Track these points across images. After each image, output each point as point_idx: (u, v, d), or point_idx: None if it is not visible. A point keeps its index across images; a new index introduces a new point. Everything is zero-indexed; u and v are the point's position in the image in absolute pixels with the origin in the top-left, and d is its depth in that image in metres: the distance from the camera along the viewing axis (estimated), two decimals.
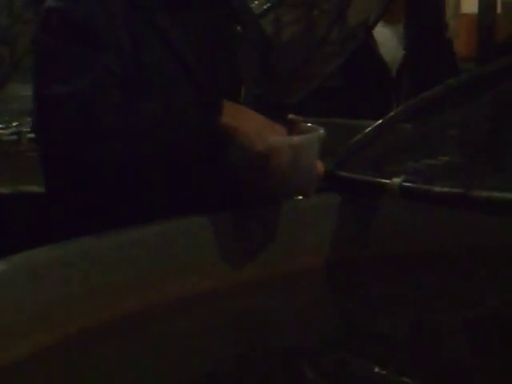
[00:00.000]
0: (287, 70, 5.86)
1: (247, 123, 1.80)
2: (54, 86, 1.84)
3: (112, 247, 1.67)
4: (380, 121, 2.08)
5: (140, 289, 1.68)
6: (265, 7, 5.94)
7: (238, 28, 2.13)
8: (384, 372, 1.56)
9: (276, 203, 1.89)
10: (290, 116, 1.86)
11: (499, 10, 7.69)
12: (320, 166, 1.88)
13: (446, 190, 1.72)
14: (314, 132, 1.83)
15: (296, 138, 1.80)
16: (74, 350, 1.53)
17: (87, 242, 1.65)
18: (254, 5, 5.84)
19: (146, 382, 1.48)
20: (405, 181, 1.79)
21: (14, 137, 4.18)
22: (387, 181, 1.81)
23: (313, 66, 6.57)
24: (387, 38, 4.07)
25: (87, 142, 1.81)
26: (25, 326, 1.47)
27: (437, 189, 1.74)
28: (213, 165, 1.84)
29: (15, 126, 4.28)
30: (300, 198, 1.91)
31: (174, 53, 1.98)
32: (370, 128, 2.06)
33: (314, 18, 6.79)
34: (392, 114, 2.11)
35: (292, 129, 1.83)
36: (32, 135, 4.18)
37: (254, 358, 1.60)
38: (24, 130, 4.10)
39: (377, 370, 1.58)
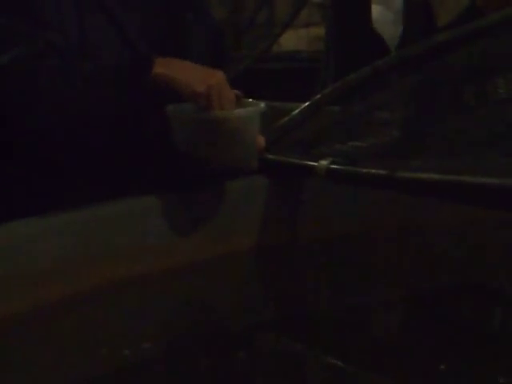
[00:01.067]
0: None
1: (184, 70, 1.83)
2: None
3: (47, 230, 1.68)
4: (307, 103, 2.08)
5: (77, 272, 1.68)
6: None
7: (190, 14, 2.15)
8: (315, 352, 1.58)
9: (208, 185, 1.91)
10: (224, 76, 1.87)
11: None
12: (261, 140, 1.90)
13: (371, 171, 1.74)
14: (255, 106, 1.84)
15: (238, 111, 1.81)
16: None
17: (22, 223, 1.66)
18: None
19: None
20: (331, 163, 1.80)
21: None
22: (314, 163, 1.83)
23: (241, 48, 6.56)
24: (382, 14, 4.00)
25: (26, 106, 1.87)
26: None
27: (363, 170, 1.76)
28: (148, 119, 1.87)
29: None
30: (229, 180, 1.93)
31: (118, 31, 1.99)
32: (297, 110, 2.07)
33: (242, 0, 6.80)
34: (319, 96, 2.11)
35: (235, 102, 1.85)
36: None
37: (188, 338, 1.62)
38: None
39: (309, 350, 1.59)
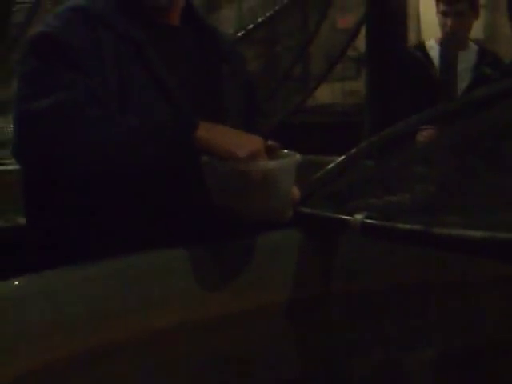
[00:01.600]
0: None
1: (225, 136, 1.83)
2: (34, 101, 1.86)
3: (76, 281, 1.67)
4: (343, 157, 2.08)
5: (106, 323, 1.66)
6: None
7: (226, 66, 2.17)
8: None
9: (242, 238, 1.90)
10: (268, 142, 1.87)
11: None
12: (296, 191, 1.89)
13: (407, 226, 1.72)
14: (291, 157, 1.84)
15: (274, 162, 1.80)
16: None
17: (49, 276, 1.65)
18: None
19: None
20: (366, 217, 1.79)
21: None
22: (349, 217, 1.81)
23: (276, 101, 6.60)
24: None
25: (63, 155, 1.84)
26: None
27: (399, 226, 1.74)
28: (187, 178, 1.88)
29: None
30: (263, 233, 1.92)
31: (157, 83, 2.01)
32: (333, 164, 2.06)
33: (277, 54, 6.84)
34: (355, 149, 2.11)
35: (270, 155, 1.85)
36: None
37: None
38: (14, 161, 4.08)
39: None
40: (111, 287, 1.69)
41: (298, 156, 1.83)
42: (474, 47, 4.30)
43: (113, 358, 1.66)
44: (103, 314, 1.67)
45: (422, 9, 10.68)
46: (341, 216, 1.84)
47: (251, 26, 6.25)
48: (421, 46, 4.29)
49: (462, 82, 4.08)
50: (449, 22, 4.13)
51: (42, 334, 1.56)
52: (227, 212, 1.82)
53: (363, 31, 4.02)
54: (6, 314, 1.54)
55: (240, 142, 1.80)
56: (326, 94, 8.16)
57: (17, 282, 1.59)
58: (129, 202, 1.89)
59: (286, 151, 1.88)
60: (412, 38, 3.89)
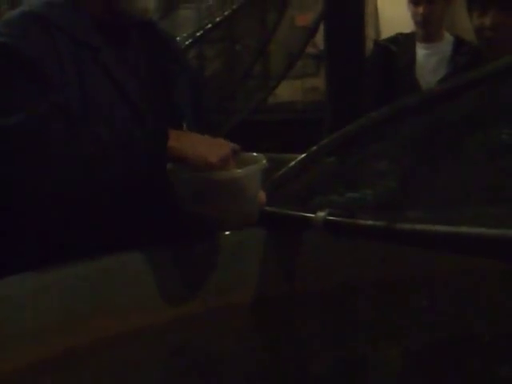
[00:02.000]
0: (212, 104, 5.89)
1: (195, 143, 1.84)
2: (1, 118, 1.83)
3: (50, 284, 1.67)
4: (304, 154, 2.08)
5: (77, 325, 1.67)
6: (187, 42, 5.95)
7: (176, 67, 2.16)
8: None
9: (204, 240, 1.90)
10: (231, 145, 1.88)
11: None
12: (263, 196, 1.90)
13: (369, 223, 1.73)
14: (257, 162, 1.85)
15: (242, 170, 1.82)
16: None
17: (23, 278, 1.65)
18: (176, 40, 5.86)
19: None
20: (329, 214, 1.79)
21: None
22: (311, 215, 1.82)
23: (237, 100, 6.59)
24: (426, 59, 4.00)
25: (34, 171, 1.81)
26: None
27: (360, 222, 1.75)
28: (155, 186, 1.86)
29: None
30: (227, 233, 1.93)
31: (116, 87, 2.01)
32: (294, 162, 2.06)
33: (237, 52, 6.83)
34: (316, 147, 2.11)
35: (233, 158, 1.85)
36: None
37: None
38: None
39: None
40: (79, 290, 1.70)
41: (264, 161, 1.84)
42: (449, 38, 4.22)
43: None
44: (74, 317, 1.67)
45: (379, 5, 10.71)
46: (303, 214, 1.85)
47: (210, 25, 6.23)
48: (396, 39, 4.25)
49: (437, 75, 4.04)
50: (420, 9, 4.08)
51: None
52: (195, 217, 1.84)
53: (322, 28, 4.02)
54: None
55: (211, 149, 1.81)
56: (286, 91, 8.16)
57: None
58: (94, 209, 1.87)
59: (251, 154, 1.88)
60: (370, 35, 3.87)
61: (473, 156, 1.87)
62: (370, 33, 3.73)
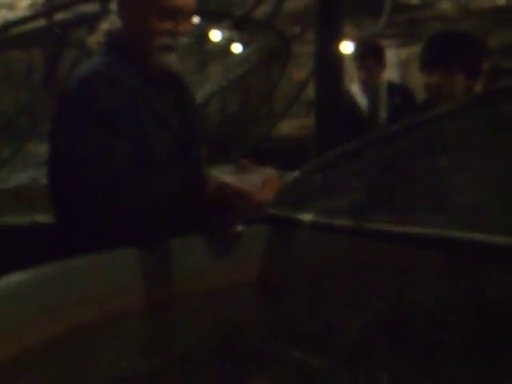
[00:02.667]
0: (233, 135, 5.90)
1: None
2: (84, 174, 1.79)
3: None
4: (298, 172, 2.07)
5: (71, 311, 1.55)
6: (214, 90, 5.98)
7: (193, 102, 2.15)
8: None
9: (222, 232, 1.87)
10: (242, 161, 1.86)
11: None
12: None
13: (344, 223, 1.71)
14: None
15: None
16: None
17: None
18: (207, 88, 5.88)
19: None
20: (314, 216, 1.78)
21: (31, 181, 4.16)
22: (301, 217, 1.80)
23: (249, 133, 6.60)
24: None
25: (109, 220, 1.78)
26: None
27: (338, 222, 1.73)
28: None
29: (32, 173, 4.26)
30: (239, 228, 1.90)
31: (164, 126, 1.96)
32: (291, 177, 2.05)
33: (250, 98, 6.85)
34: (307, 166, 2.09)
35: (245, 169, 1.84)
36: (45, 181, 4.17)
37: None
38: (38, 176, 4.09)
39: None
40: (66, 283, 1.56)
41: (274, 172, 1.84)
42: (384, 85, 4.27)
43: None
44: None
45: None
46: (296, 216, 1.83)
47: (231, 77, 6.25)
48: (347, 94, 4.25)
49: (382, 114, 4.09)
50: (361, 74, 4.11)
51: None
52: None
53: (312, 82, 4.01)
54: None
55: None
56: (285, 127, 8.18)
57: None
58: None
59: (258, 167, 1.87)
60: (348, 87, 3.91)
61: (421, 176, 1.86)
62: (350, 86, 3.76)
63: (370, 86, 4.15)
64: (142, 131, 1.89)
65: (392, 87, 4.27)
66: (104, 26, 2.00)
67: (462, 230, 1.41)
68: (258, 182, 1.81)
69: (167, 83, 2.07)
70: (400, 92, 4.20)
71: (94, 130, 1.81)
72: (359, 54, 4.21)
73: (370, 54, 4.15)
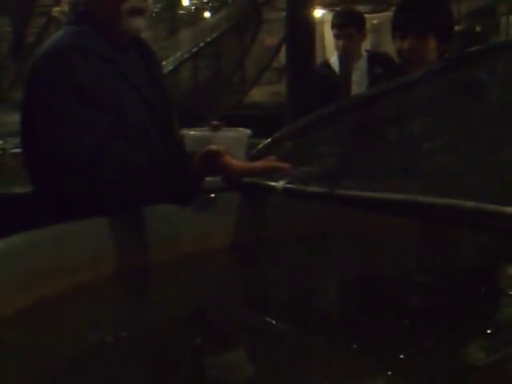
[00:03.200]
0: (202, 103, 5.86)
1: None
2: (67, 146, 1.75)
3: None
4: (269, 139, 2.06)
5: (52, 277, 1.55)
6: (185, 56, 5.92)
7: (159, 67, 2.14)
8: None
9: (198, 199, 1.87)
10: (215, 122, 1.84)
11: None
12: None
13: (315, 189, 1.71)
14: (244, 130, 1.82)
15: (233, 133, 1.80)
16: None
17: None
18: (177, 55, 5.82)
19: None
20: (286, 183, 1.78)
21: (0, 152, 4.11)
22: (273, 183, 1.80)
23: (221, 100, 6.57)
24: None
25: (94, 191, 1.75)
26: None
27: (309, 189, 1.73)
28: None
29: (1, 144, 4.21)
30: (213, 195, 1.90)
31: (138, 93, 1.94)
32: (262, 144, 2.04)
33: (221, 65, 6.81)
34: (278, 133, 2.09)
35: (218, 129, 1.82)
36: (15, 150, 4.14)
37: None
38: (7, 146, 4.04)
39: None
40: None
41: (247, 131, 1.82)
42: (364, 55, 4.19)
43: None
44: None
45: (325, 32, 10.66)
46: (268, 183, 1.83)
47: (202, 44, 6.19)
48: (326, 64, 4.21)
49: (362, 87, 3.99)
50: (340, 43, 4.03)
51: None
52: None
53: (284, 48, 3.98)
54: None
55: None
56: (256, 94, 8.15)
57: None
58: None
59: (231, 128, 1.86)
60: (319, 53, 3.84)
61: (390, 143, 1.86)
62: (318, 52, 3.70)
63: (350, 54, 4.06)
64: (115, 99, 1.87)
65: (372, 56, 4.18)
66: None
67: (435, 194, 1.41)
68: (231, 136, 1.79)
69: (136, 49, 2.06)
70: (380, 61, 4.12)
71: (71, 99, 1.78)
72: (339, 23, 4.10)
73: (350, 23, 4.06)
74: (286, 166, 1.75)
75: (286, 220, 1.98)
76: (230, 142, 1.76)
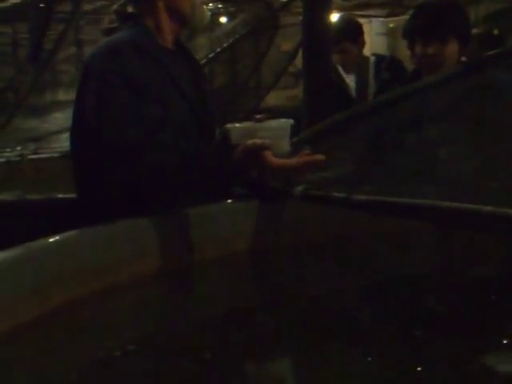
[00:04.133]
0: (219, 107, 5.87)
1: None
2: (118, 135, 1.81)
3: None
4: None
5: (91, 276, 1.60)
6: (202, 62, 5.95)
7: (203, 74, 2.19)
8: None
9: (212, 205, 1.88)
10: (258, 116, 1.86)
11: None
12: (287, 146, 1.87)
13: (333, 195, 1.71)
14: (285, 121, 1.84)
15: (271, 121, 1.81)
16: None
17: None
18: None
19: None
20: (305, 189, 1.78)
21: (18, 158, 4.15)
22: (293, 189, 1.80)
23: (238, 104, 6.59)
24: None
25: (140, 175, 1.80)
26: None
27: (327, 194, 1.73)
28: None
29: (19, 150, 4.25)
30: (230, 201, 1.91)
31: (181, 94, 2.00)
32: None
33: (238, 70, 6.83)
34: (296, 138, 2.09)
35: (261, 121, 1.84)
36: (32, 156, 4.18)
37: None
38: (25, 152, 4.08)
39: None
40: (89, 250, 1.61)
41: (290, 120, 1.84)
42: (372, 59, 4.14)
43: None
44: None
45: None
46: (287, 187, 1.83)
47: (218, 49, 6.22)
48: (335, 71, 4.18)
49: (371, 89, 3.98)
50: (337, 58, 3.96)
51: None
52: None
53: (300, 53, 3.98)
54: None
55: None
56: (273, 98, 8.15)
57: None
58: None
59: (274, 120, 1.86)
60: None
61: (408, 148, 1.86)
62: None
63: (348, 69, 4.02)
64: (163, 98, 1.94)
65: (379, 61, 4.12)
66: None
67: (452, 200, 1.41)
68: (274, 127, 1.80)
69: (182, 56, 2.14)
70: (387, 65, 4.06)
71: (125, 92, 1.86)
72: (333, 38, 4.03)
73: (344, 37, 3.99)
74: (320, 157, 1.77)
75: (304, 225, 1.97)
76: (274, 132, 1.78)
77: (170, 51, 2.06)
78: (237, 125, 1.83)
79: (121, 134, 1.82)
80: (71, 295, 1.52)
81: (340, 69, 4.07)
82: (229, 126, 1.82)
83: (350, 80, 4.06)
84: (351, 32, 4.04)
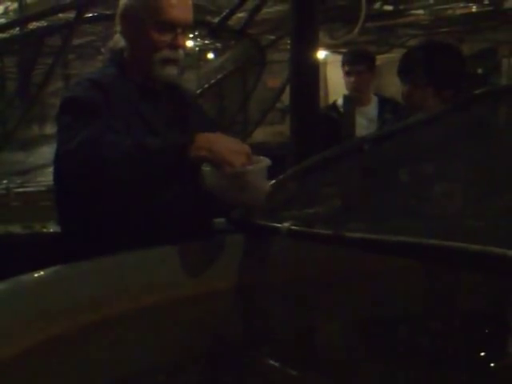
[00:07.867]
0: None
1: (220, 145, 1.79)
2: (68, 142, 1.84)
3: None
4: (273, 181, 2.06)
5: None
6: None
7: (190, 110, 2.17)
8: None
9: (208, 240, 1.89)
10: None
11: None
12: (267, 185, 1.89)
13: (320, 231, 1.70)
14: (263, 161, 1.83)
15: (254, 166, 1.80)
16: None
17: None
18: None
19: None
20: (292, 225, 1.77)
21: (4, 191, 4.12)
22: (279, 225, 1.79)
23: None
24: (359, 122, 3.90)
25: (95, 169, 1.81)
26: None
27: (314, 231, 1.72)
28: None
29: (5, 184, 4.22)
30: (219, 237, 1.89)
31: (150, 130, 2.01)
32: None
33: (225, 105, 6.86)
34: (282, 175, 2.09)
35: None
36: (18, 190, 4.16)
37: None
38: (11, 186, 4.06)
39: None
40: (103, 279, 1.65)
41: (268, 161, 1.83)
42: (375, 99, 4.17)
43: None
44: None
45: (328, 73, 10.74)
46: (273, 224, 1.82)
47: (206, 85, 6.24)
48: (333, 106, 4.19)
49: (370, 131, 3.94)
50: (351, 79, 4.03)
51: None
52: (220, 203, 1.85)
53: (287, 89, 4.00)
54: None
55: (233, 156, 1.77)
56: (260, 134, 8.18)
57: None
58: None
59: (256, 156, 1.86)
60: (321, 94, 3.83)
61: (394, 184, 1.86)
62: (321, 93, 3.69)
63: (360, 91, 4.03)
64: (127, 125, 1.97)
65: (383, 102, 4.15)
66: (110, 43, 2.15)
67: (439, 237, 1.40)
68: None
69: (171, 95, 2.16)
70: (391, 107, 4.09)
71: (72, 117, 1.92)
72: (350, 60, 4.09)
73: (361, 61, 4.06)
74: None
75: (289, 260, 1.96)
76: (253, 177, 1.78)
77: (150, 91, 2.10)
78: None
79: (69, 154, 1.85)
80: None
81: (341, 105, 4.07)
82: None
83: (361, 115, 4.01)
84: (368, 58, 4.12)
